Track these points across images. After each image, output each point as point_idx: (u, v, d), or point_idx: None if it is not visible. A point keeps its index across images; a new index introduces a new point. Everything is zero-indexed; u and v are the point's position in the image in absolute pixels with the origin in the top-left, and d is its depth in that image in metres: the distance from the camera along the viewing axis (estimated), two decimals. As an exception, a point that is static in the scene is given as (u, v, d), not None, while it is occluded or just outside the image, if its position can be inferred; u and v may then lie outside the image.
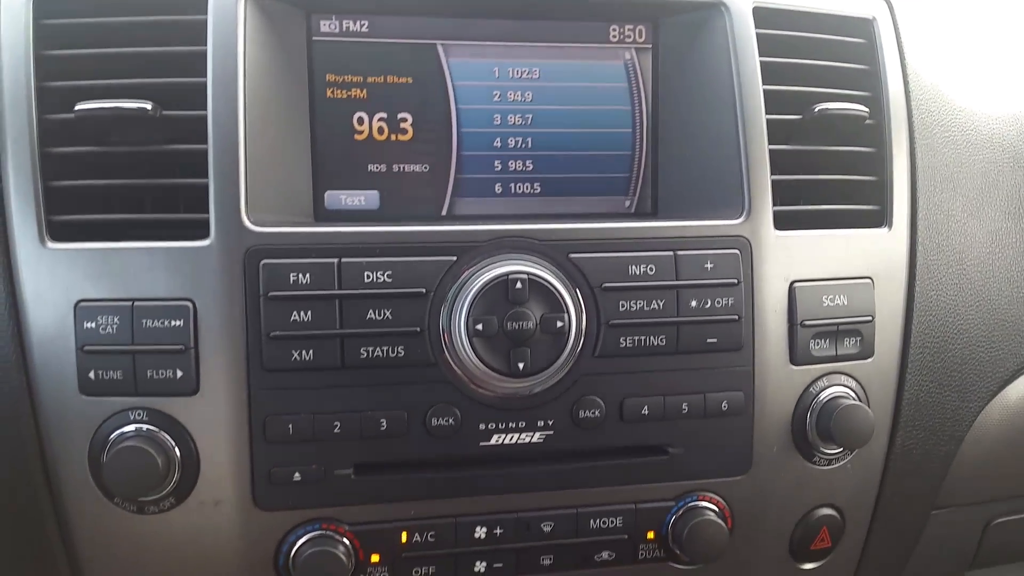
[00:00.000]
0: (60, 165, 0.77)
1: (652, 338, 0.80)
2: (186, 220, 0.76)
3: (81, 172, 0.77)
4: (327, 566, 0.76)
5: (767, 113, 0.85)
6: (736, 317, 0.81)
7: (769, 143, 0.84)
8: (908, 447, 0.91)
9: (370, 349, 0.76)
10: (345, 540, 0.78)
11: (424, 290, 0.76)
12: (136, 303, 0.74)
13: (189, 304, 0.74)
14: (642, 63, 0.89)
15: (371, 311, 0.75)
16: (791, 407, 0.85)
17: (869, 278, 0.87)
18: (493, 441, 0.79)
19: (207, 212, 0.75)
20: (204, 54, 0.77)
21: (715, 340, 0.81)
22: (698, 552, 0.82)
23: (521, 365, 0.76)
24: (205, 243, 0.75)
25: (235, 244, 0.75)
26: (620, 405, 0.80)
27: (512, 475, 0.81)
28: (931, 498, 0.96)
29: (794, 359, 0.84)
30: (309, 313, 0.75)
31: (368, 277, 0.75)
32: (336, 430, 0.76)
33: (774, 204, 0.84)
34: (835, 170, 0.89)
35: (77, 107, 0.76)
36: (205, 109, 0.76)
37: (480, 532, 0.81)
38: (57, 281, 0.74)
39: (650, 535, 0.84)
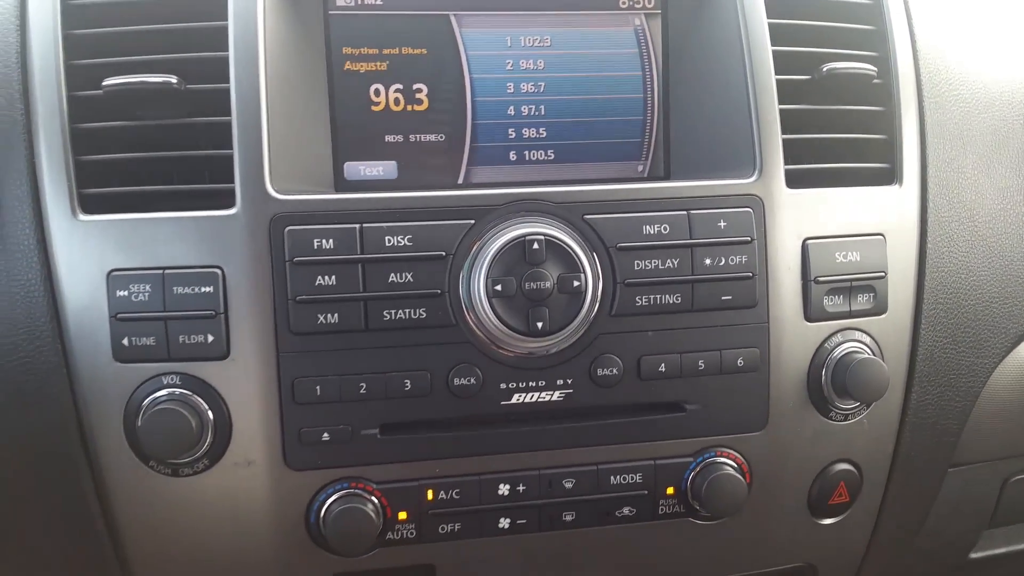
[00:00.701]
0: (90, 140, 0.79)
1: (667, 296, 0.81)
2: (212, 190, 0.78)
3: (110, 146, 0.80)
4: (357, 523, 0.78)
5: (776, 74, 0.86)
6: (750, 274, 0.83)
7: (779, 103, 0.85)
8: (923, 402, 0.92)
9: (393, 311, 0.78)
10: (373, 498, 0.80)
11: (444, 253, 0.78)
12: (167, 271, 0.76)
13: (218, 271, 0.77)
14: (652, 28, 0.90)
15: (393, 274, 0.78)
16: (806, 363, 0.86)
17: (881, 234, 0.88)
18: (514, 400, 0.81)
19: (232, 182, 0.78)
20: (225, 29, 0.79)
21: (730, 297, 0.83)
22: (717, 506, 0.84)
23: (540, 324, 0.78)
24: (232, 212, 0.77)
25: (260, 212, 0.77)
26: (637, 363, 0.82)
27: (533, 433, 0.82)
28: (948, 454, 0.97)
29: (808, 315, 0.86)
30: (333, 277, 0.77)
31: (389, 241, 0.78)
32: (362, 391, 0.78)
33: (785, 163, 0.85)
34: (845, 129, 0.91)
35: (104, 83, 0.78)
36: (228, 82, 0.78)
37: (503, 489, 0.83)
38: (89, 252, 0.77)
39: (669, 491, 0.86)
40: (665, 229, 0.81)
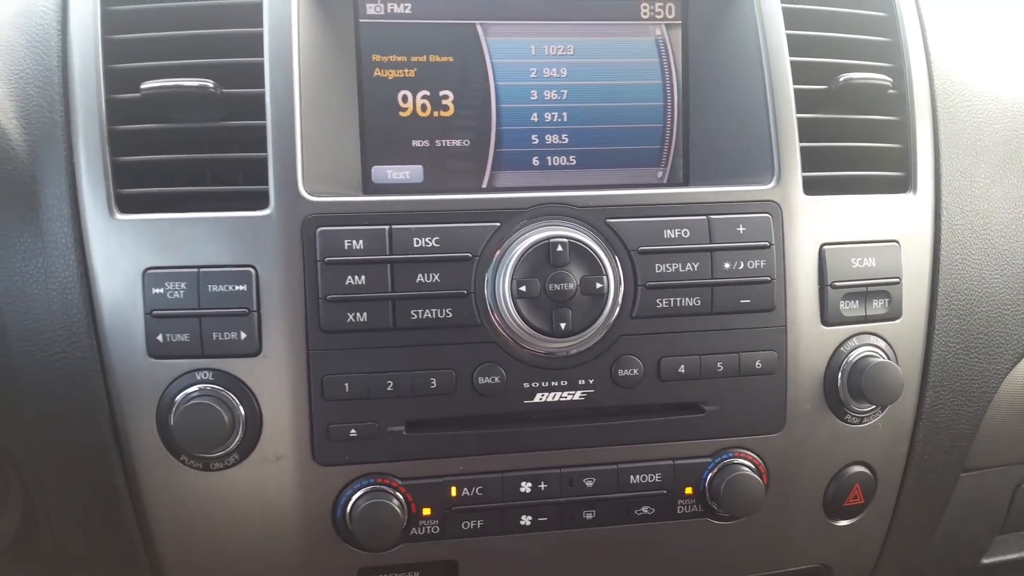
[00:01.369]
0: (127, 141, 0.82)
1: (687, 299, 0.83)
2: (246, 191, 0.81)
3: (147, 148, 0.82)
4: (383, 517, 0.80)
5: (794, 83, 0.88)
6: (768, 278, 0.85)
7: (797, 112, 0.88)
8: (937, 406, 0.94)
9: (420, 311, 0.80)
10: (398, 494, 0.82)
11: (470, 255, 0.80)
12: (202, 270, 0.78)
13: (251, 270, 0.79)
14: (672, 38, 0.92)
15: (420, 275, 0.80)
16: (823, 366, 0.88)
17: (896, 241, 0.90)
18: (537, 399, 0.83)
19: (266, 184, 0.80)
20: (260, 35, 0.81)
21: (748, 301, 0.84)
22: (735, 506, 0.85)
23: (563, 325, 0.80)
24: (265, 212, 0.79)
25: (293, 213, 0.79)
26: (657, 364, 0.84)
27: (555, 432, 0.84)
28: (960, 458, 0.99)
29: (825, 319, 0.88)
30: (363, 277, 0.79)
31: (417, 243, 0.80)
32: (389, 388, 0.80)
33: (803, 170, 0.87)
34: (860, 138, 0.93)
35: (143, 86, 0.80)
36: (263, 87, 0.81)
37: (525, 487, 0.84)
38: (126, 251, 0.79)
39: (688, 490, 0.87)
40: (685, 233, 0.83)
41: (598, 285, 0.80)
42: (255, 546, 0.83)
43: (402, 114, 0.89)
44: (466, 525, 0.84)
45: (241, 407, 0.79)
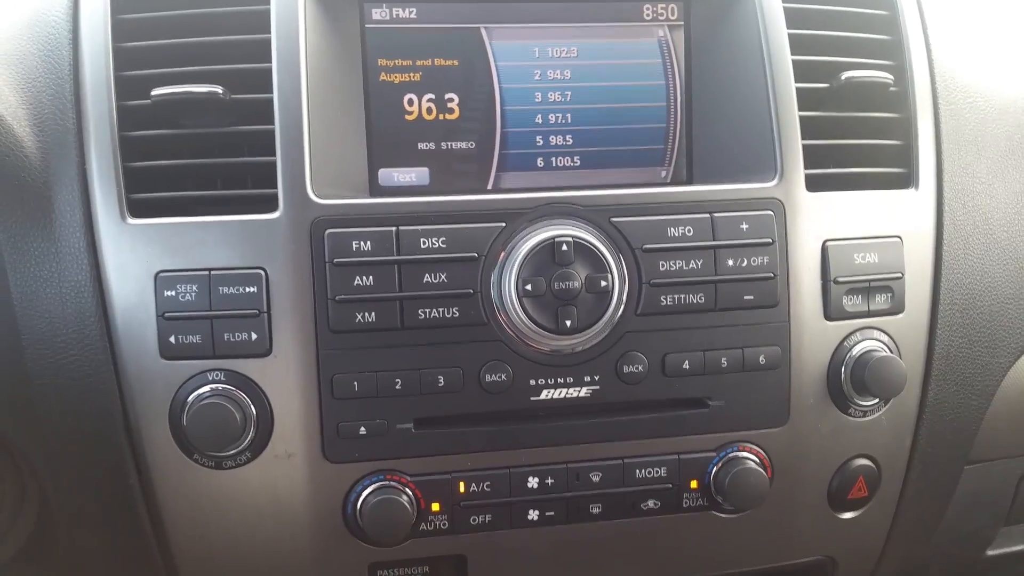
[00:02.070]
0: (138, 147, 0.83)
1: (691, 296, 0.84)
2: (256, 195, 0.82)
3: (157, 153, 0.84)
4: (393, 513, 0.82)
5: (796, 82, 0.89)
6: (772, 275, 0.86)
7: (799, 110, 0.88)
8: (940, 400, 0.95)
9: (427, 311, 0.81)
10: (408, 490, 0.83)
11: (476, 254, 0.81)
12: (213, 272, 0.80)
13: (262, 272, 0.80)
14: (675, 39, 0.93)
15: (427, 275, 0.81)
16: (826, 361, 0.89)
17: (898, 237, 0.91)
18: (543, 396, 0.84)
19: (275, 187, 0.81)
20: (268, 41, 0.83)
21: (752, 297, 0.85)
22: (740, 499, 0.87)
23: (568, 323, 0.81)
24: (275, 215, 0.81)
25: (302, 216, 0.80)
26: (662, 361, 0.85)
27: (562, 428, 0.85)
28: (965, 451, 0.99)
29: (828, 315, 0.88)
30: (371, 278, 0.80)
31: (424, 244, 0.81)
32: (397, 387, 0.82)
33: (805, 168, 0.88)
34: (862, 135, 0.93)
35: (153, 93, 0.82)
36: (271, 92, 0.82)
37: (533, 482, 0.86)
38: (137, 254, 0.80)
39: (693, 484, 0.88)
40: (689, 231, 0.84)
41: (603, 283, 0.81)
42: (267, 543, 0.84)
43: (408, 117, 0.90)
44: (474, 520, 0.86)
45: (253, 406, 0.80)
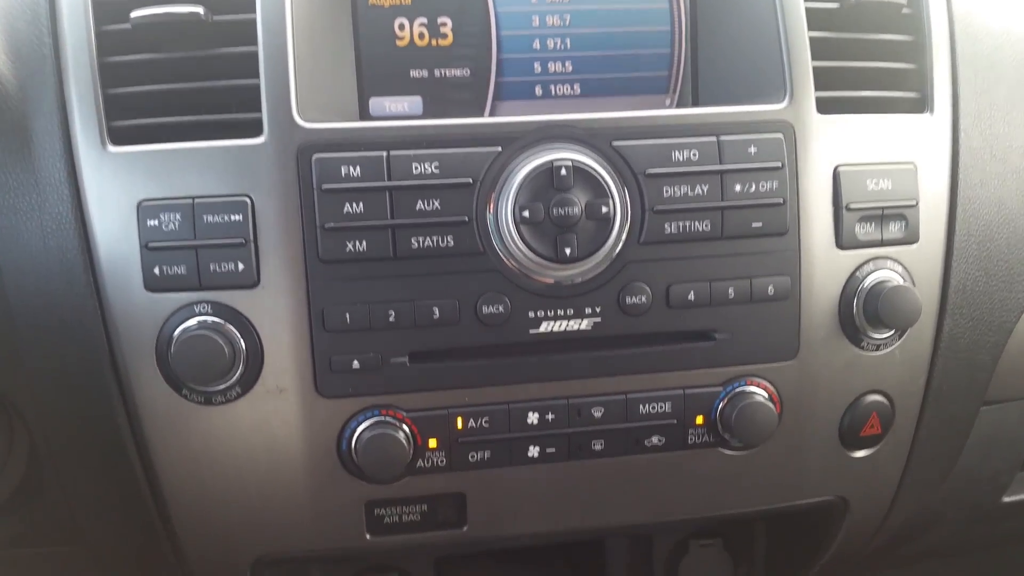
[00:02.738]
0: (118, 73, 0.80)
1: (697, 223, 0.81)
2: (240, 120, 0.79)
3: (138, 79, 0.80)
4: (389, 449, 0.79)
5: (805, 1, 0.85)
6: (781, 201, 0.82)
7: (808, 31, 0.84)
8: (956, 335, 0.91)
9: (420, 239, 0.78)
10: (404, 426, 0.81)
11: (471, 180, 0.78)
12: (196, 200, 0.77)
13: (247, 199, 0.77)
14: (678, -42, 0.89)
15: (420, 202, 0.78)
16: (838, 291, 0.85)
17: (912, 163, 0.87)
18: (543, 329, 0.81)
19: (259, 111, 0.78)
20: None
21: (760, 224, 0.82)
22: (747, 434, 0.84)
23: (568, 251, 0.78)
24: (259, 140, 0.77)
25: (288, 140, 0.77)
26: (666, 291, 0.82)
27: (562, 362, 0.82)
28: (981, 390, 0.96)
29: (840, 243, 0.85)
30: (361, 205, 0.77)
31: (416, 169, 0.77)
32: (391, 319, 0.79)
33: (816, 90, 0.84)
34: (875, 58, 0.89)
35: (132, 15, 0.78)
36: (254, 12, 0.78)
37: (532, 418, 0.83)
38: (119, 183, 0.77)
39: (699, 420, 0.85)
40: (695, 155, 0.81)
41: (604, 209, 0.78)
42: (261, 481, 0.82)
43: (399, 43, 0.87)
44: (473, 457, 0.83)
45: (241, 340, 0.77)
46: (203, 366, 0.76)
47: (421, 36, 0.87)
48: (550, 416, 0.83)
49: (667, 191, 0.80)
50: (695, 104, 0.91)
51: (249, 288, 0.78)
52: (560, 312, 0.81)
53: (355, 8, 0.86)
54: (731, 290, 0.82)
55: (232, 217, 0.77)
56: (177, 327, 0.77)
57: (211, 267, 0.77)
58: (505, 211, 0.78)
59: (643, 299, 0.81)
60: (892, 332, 0.87)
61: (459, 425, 0.82)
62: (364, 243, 0.77)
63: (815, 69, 0.84)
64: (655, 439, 0.85)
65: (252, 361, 0.78)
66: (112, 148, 0.78)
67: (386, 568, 0.98)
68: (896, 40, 0.90)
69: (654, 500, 0.89)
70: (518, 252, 0.78)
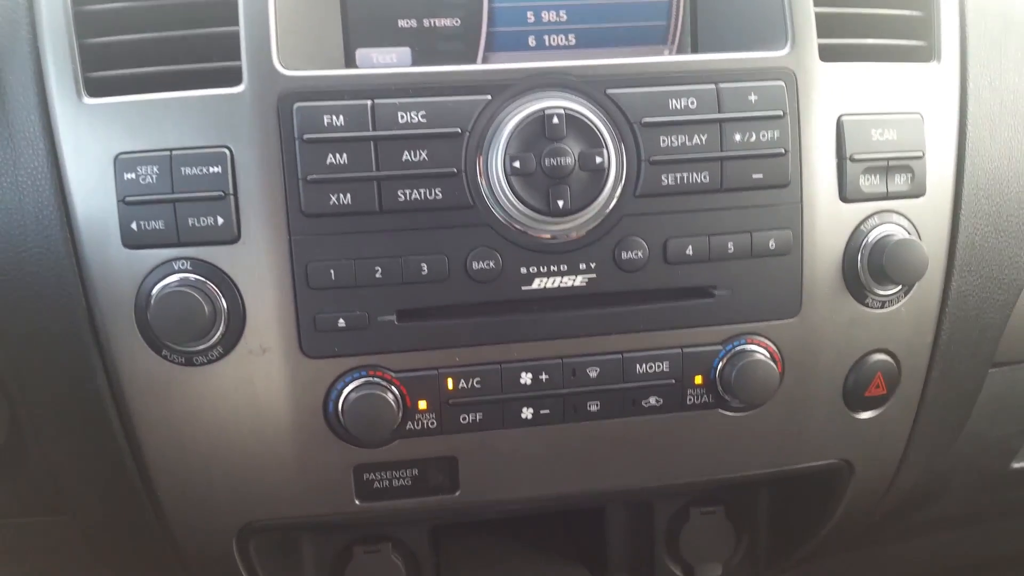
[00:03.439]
0: (94, 22, 0.77)
1: (695, 175, 0.78)
2: (219, 69, 0.76)
3: (114, 28, 0.77)
4: (377, 410, 0.76)
5: None
6: (782, 151, 0.79)
7: None
8: (964, 292, 0.88)
9: (407, 192, 0.75)
10: (392, 387, 0.78)
11: (459, 130, 0.75)
12: (174, 152, 0.74)
13: (226, 151, 0.74)
14: (675, -100, 0.86)
15: (407, 153, 0.75)
16: (841, 246, 0.82)
17: (918, 113, 0.84)
18: (535, 285, 0.78)
19: (239, 59, 0.75)
20: None
21: (761, 176, 0.79)
22: (748, 393, 0.81)
23: (560, 203, 0.75)
24: (238, 89, 0.74)
25: (268, 89, 0.74)
26: (664, 246, 0.79)
27: (556, 320, 0.80)
28: (990, 350, 0.93)
29: (844, 196, 0.82)
30: (344, 156, 0.74)
31: (402, 118, 0.74)
32: (377, 275, 0.76)
33: (818, 36, 0.80)
34: (880, 4, 0.86)
35: None
36: None
37: (526, 378, 0.80)
38: (96, 136, 0.75)
39: (698, 380, 0.82)
40: (692, 103, 0.77)
41: (598, 160, 0.75)
42: (246, 445, 0.79)
43: None
44: (464, 419, 0.80)
45: (222, 297, 0.75)
46: (182, 323, 0.73)
47: (409, -17, 0.84)
48: (544, 376, 0.80)
49: (664, 141, 0.77)
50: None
51: (229, 244, 0.75)
52: (553, 268, 0.78)
53: None
54: (731, 244, 0.79)
55: (211, 169, 0.74)
56: (156, 285, 0.75)
57: (190, 221, 0.74)
58: (495, 162, 0.75)
59: (639, 254, 0.78)
60: (898, 288, 0.84)
61: (450, 386, 0.79)
62: (348, 196, 0.74)
63: (818, 15, 0.81)
64: (652, 400, 0.82)
65: (233, 320, 0.76)
66: (88, 100, 0.75)
67: (379, 538, 0.95)
68: (901, -12, 0.87)
69: (652, 464, 0.86)
70: (509, 205, 0.75)
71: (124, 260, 0.75)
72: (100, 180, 0.75)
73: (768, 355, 0.82)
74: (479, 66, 0.78)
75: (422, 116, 0.75)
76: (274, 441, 0.79)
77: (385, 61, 0.85)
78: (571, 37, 0.86)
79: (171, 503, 0.82)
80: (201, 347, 0.76)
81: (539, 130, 0.74)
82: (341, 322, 0.77)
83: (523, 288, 0.78)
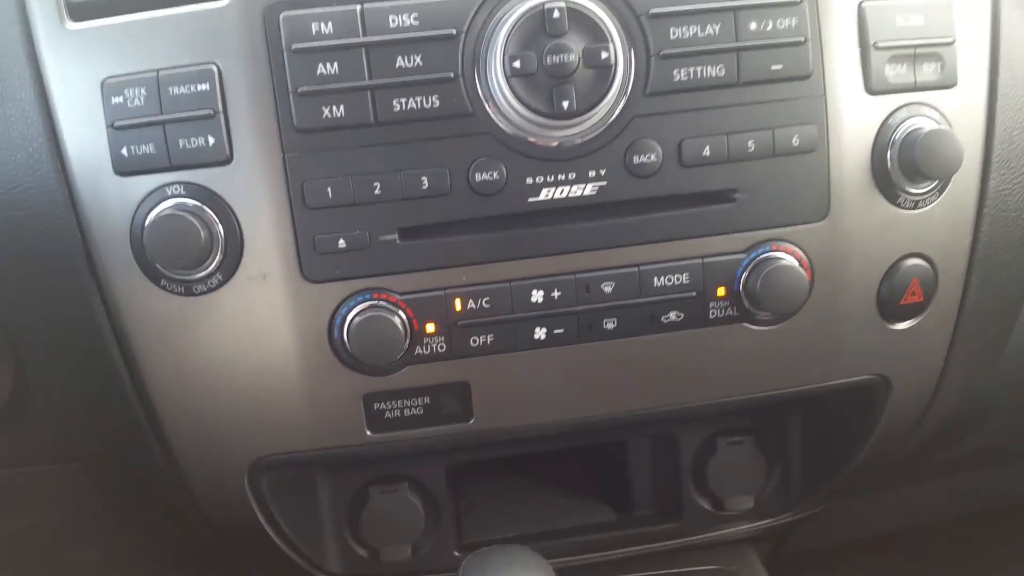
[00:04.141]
0: None
1: (709, 68, 0.73)
2: None
3: None
4: (383, 332, 0.73)
5: None
6: (802, 39, 0.73)
7: None
8: (1003, 192, 0.82)
9: (403, 101, 0.71)
10: (399, 310, 0.75)
11: (454, 31, 0.71)
12: (161, 72, 0.71)
13: (213, 67, 0.71)
14: None
15: (400, 59, 0.71)
16: (869, 142, 0.77)
17: None
18: (542, 196, 0.74)
19: None
20: None
21: (780, 67, 0.74)
22: (775, 302, 0.76)
23: (565, 104, 0.70)
24: (223, 3, 0.71)
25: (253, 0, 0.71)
26: (678, 147, 0.74)
27: (567, 233, 0.76)
28: (1033, 255, 0.88)
29: (869, 87, 0.76)
30: (335, 65, 0.71)
31: (393, 22, 0.71)
32: (376, 191, 0.72)
33: None
34: None
35: None
36: None
37: (537, 296, 0.76)
38: (81, 62, 0.72)
39: (721, 291, 0.78)
40: None
41: (603, 55, 0.70)
42: (251, 377, 0.76)
43: None
44: (475, 341, 0.77)
45: (219, 222, 0.72)
46: (176, 247, 0.70)
47: None
48: (556, 293, 0.77)
49: (674, 32, 0.72)
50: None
51: (222, 165, 0.72)
52: (561, 177, 0.74)
53: None
54: (751, 143, 0.75)
55: (199, 87, 0.71)
56: (150, 212, 0.72)
57: (180, 143, 0.71)
58: (494, 64, 0.70)
59: (653, 157, 0.74)
60: (931, 186, 0.79)
61: (458, 307, 0.76)
62: (342, 108, 0.71)
63: None
64: (672, 315, 0.78)
65: (231, 245, 0.73)
66: (71, 25, 0.73)
67: (395, 478, 0.93)
68: None
69: (674, 384, 0.82)
70: (510, 110, 0.71)
71: (117, 188, 0.73)
72: (88, 107, 0.72)
73: (796, 262, 0.77)
74: (473, -38, 0.74)
75: (414, 18, 0.71)
76: (280, 371, 0.76)
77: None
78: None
79: (179, 441, 0.80)
80: (200, 275, 0.73)
81: (539, 26, 0.70)
82: (341, 243, 0.73)
83: (530, 200, 0.74)
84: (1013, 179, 0.83)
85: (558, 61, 0.70)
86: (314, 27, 0.70)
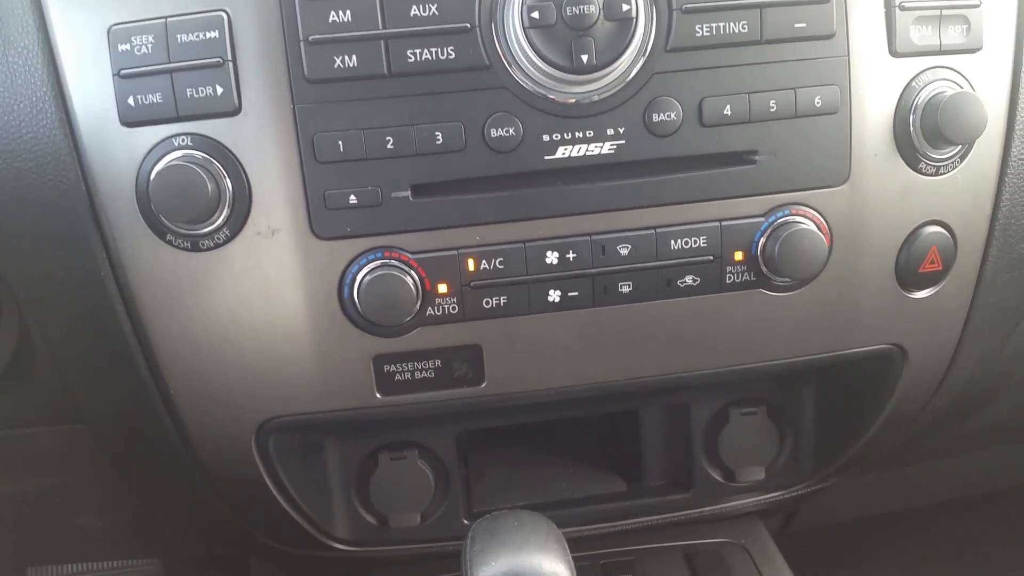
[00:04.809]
0: None
1: (732, 24, 0.71)
2: None
3: None
4: (394, 291, 0.72)
5: None
6: None
7: None
8: (1027, 159, 0.81)
9: (417, 52, 0.70)
10: (411, 270, 0.73)
11: None
12: (169, 19, 0.69)
13: (223, 14, 0.69)
14: None
15: (415, 7, 0.69)
16: (892, 105, 0.76)
17: None
18: (559, 154, 0.73)
19: None
20: None
21: (804, 25, 0.72)
22: (793, 266, 0.75)
23: (584, 58, 0.69)
24: None
25: None
26: (699, 106, 0.73)
27: (583, 193, 0.74)
28: (1054, 226, 0.86)
29: (893, 49, 0.75)
30: (348, 12, 0.69)
31: None
32: (389, 146, 0.71)
33: None
34: None
35: None
36: None
37: (551, 257, 0.75)
38: (87, 7, 0.71)
39: (738, 255, 0.77)
40: None
41: (624, 7, 0.68)
42: (259, 336, 0.75)
43: None
44: (487, 303, 0.75)
45: (227, 176, 0.70)
46: (182, 198, 0.68)
47: None
48: (571, 255, 0.75)
49: None
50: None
51: (231, 116, 0.70)
52: (579, 135, 0.72)
53: None
54: (773, 103, 0.73)
55: (207, 35, 0.69)
56: (156, 164, 0.70)
57: (188, 92, 0.69)
58: (512, 14, 0.69)
59: (672, 116, 0.72)
60: (953, 152, 0.77)
61: (470, 267, 0.74)
62: (354, 58, 0.69)
63: None
64: (689, 279, 0.77)
65: (239, 199, 0.71)
66: None
67: (405, 445, 0.91)
68: None
69: (689, 350, 0.80)
70: (528, 63, 0.70)
71: (123, 139, 0.71)
72: (94, 54, 0.70)
73: (815, 227, 0.76)
74: (492, -90, 0.72)
75: None
76: (288, 331, 0.75)
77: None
78: None
79: (184, 400, 0.78)
80: (206, 230, 0.72)
81: None
82: (352, 199, 0.72)
83: (546, 158, 0.73)
84: (1036, 147, 0.81)
85: (578, 12, 0.68)
86: None
